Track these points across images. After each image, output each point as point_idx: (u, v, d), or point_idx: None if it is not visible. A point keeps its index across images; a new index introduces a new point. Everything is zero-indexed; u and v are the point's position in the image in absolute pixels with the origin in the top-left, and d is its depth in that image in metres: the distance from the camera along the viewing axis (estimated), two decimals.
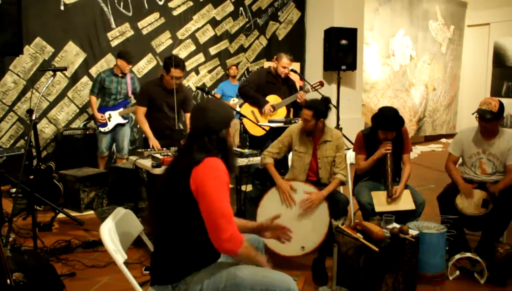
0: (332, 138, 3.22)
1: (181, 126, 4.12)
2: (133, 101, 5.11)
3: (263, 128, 4.15)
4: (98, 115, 4.95)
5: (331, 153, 3.22)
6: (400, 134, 3.29)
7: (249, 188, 4.44)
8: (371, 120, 3.33)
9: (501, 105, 3.04)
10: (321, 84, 4.55)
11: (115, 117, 4.99)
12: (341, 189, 3.63)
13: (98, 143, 5.11)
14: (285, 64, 4.30)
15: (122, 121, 5.04)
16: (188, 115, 4.01)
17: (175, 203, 1.74)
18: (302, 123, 3.18)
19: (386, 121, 3.16)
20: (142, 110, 3.85)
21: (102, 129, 5.01)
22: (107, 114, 4.98)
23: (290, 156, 3.51)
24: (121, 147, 5.14)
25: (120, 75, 4.96)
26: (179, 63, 3.70)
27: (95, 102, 4.99)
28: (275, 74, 4.39)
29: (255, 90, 4.35)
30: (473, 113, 3.12)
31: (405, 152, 3.36)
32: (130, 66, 4.98)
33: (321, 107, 3.13)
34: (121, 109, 5.00)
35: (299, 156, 3.25)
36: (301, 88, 4.42)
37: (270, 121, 4.39)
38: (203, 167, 1.71)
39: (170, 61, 3.67)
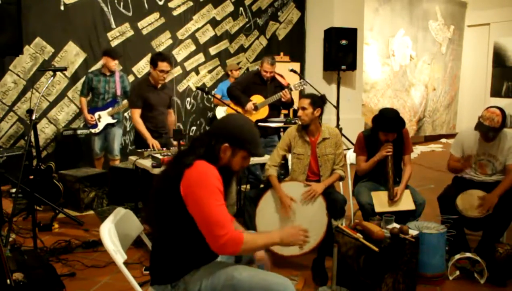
0: (330, 135, 3.24)
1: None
2: (123, 100, 5.06)
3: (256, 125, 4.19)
4: (88, 116, 4.90)
5: (330, 150, 3.23)
6: (400, 136, 3.29)
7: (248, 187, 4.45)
8: (371, 122, 3.33)
9: (504, 117, 3.00)
10: (303, 83, 4.52)
11: (104, 118, 4.93)
12: (340, 189, 3.64)
13: (91, 145, 5.07)
14: (266, 69, 4.36)
15: (112, 121, 4.97)
16: (171, 111, 4.16)
17: (168, 204, 1.74)
18: (299, 113, 3.19)
19: (387, 122, 3.16)
20: (137, 112, 3.85)
21: (92, 130, 4.95)
22: (96, 115, 4.92)
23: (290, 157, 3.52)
24: (112, 147, 5.06)
25: (108, 74, 4.90)
26: (167, 57, 3.80)
27: (85, 103, 4.95)
28: (261, 76, 4.42)
29: (242, 91, 4.43)
30: (475, 129, 3.09)
31: (406, 153, 3.36)
32: (116, 62, 4.87)
33: (318, 98, 3.20)
34: (110, 109, 4.93)
35: (298, 158, 3.25)
36: (287, 87, 4.44)
37: (269, 121, 4.41)
38: (193, 173, 1.68)
39: (157, 56, 3.77)
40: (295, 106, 4.66)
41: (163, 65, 3.74)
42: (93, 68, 5.53)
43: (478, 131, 3.09)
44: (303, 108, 3.15)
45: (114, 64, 4.88)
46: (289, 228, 1.84)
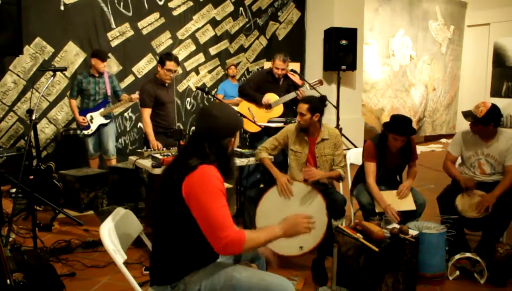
0: (329, 136, 3.23)
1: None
2: (113, 101, 5.05)
3: (259, 126, 4.17)
4: (80, 118, 4.85)
5: (329, 151, 3.22)
6: (409, 143, 3.27)
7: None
8: (383, 127, 3.28)
9: (490, 112, 2.99)
10: (320, 82, 4.57)
11: (97, 118, 4.89)
12: (340, 189, 3.63)
13: (86, 146, 5.02)
14: (278, 66, 4.34)
15: (105, 121, 4.93)
16: None
17: (170, 206, 1.74)
18: (297, 118, 3.18)
19: (401, 126, 3.11)
20: (148, 112, 3.96)
21: (85, 132, 4.90)
22: (88, 116, 4.87)
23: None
24: (107, 147, 5.02)
25: (97, 75, 4.87)
26: (175, 57, 3.96)
27: (75, 105, 4.90)
28: (274, 74, 4.42)
29: (255, 90, 4.41)
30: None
31: (412, 160, 3.37)
32: (105, 64, 4.86)
33: (317, 101, 3.16)
34: (102, 109, 4.90)
35: (295, 155, 3.26)
36: (302, 86, 4.44)
37: (269, 121, 4.40)
38: (195, 175, 1.69)
39: (166, 56, 3.94)
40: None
41: (171, 65, 3.90)
42: None
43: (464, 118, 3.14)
44: (301, 114, 3.12)
45: (103, 66, 4.86)
46: (290, 218, 1.81)
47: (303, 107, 3.12)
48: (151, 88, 3.96)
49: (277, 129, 4.32)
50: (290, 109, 4.55)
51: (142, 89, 4.02)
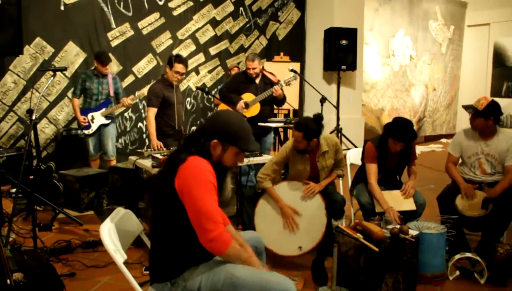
0: (329, 147, 3.17)
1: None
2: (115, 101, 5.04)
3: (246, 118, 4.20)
4: (81, 118, 4.81)
5: (331, 161, 3.21)
6: (409, 144, 3.25)
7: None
8: (384, 129, 3.27)
9: (490, 106, 3.01)
10: (295, 78, 4.48)
11: (98, 119, 4.87)
12: (340, 189, 3.64)
13: (86, 147, 4.98)
14: (248, 66, 4.40)
15: (106, 121, 4.91)
16: None
17: (165, 201, 1.75)
18: (294, 144, 3.08)
19: (400, 131, 3.09)
20: (154, 111, 4.07)
21: (86, 131, 4.87)
22: (89, 116, 4.84)
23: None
24: (106, 148, 4.99)
25: (101, 75, 4.85)
26: (183, 60, 4.06)
27: (77, 104, 4.87)
28: (248, 75, 4.45)
29: (234, 91, 4.45)
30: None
31: (411, 160, 3.36)
32: (106, 68, 4.82)
33: (312, 126, 3.00)
34: (103, 109, 4.87)
35: (298, 173, 3.19)
36: (277, 83, 4.42)
37: (269, 121, 4.40)
38: (187, 167, 1.71)
39: (175, 58, 4.04)
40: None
41: (179, 67, 4.00)
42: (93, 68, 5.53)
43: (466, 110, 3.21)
44: (297, 141, 3.03)
45: (106, 69, 4.83)
46: (264, 268, 1.89)
47: (298, 135, 3.00)
48: (158, 88, 4.07)
49: (257, 128, 4.31)
50: (270, 107, 4.59)
51: (150, 89, 4.13)
